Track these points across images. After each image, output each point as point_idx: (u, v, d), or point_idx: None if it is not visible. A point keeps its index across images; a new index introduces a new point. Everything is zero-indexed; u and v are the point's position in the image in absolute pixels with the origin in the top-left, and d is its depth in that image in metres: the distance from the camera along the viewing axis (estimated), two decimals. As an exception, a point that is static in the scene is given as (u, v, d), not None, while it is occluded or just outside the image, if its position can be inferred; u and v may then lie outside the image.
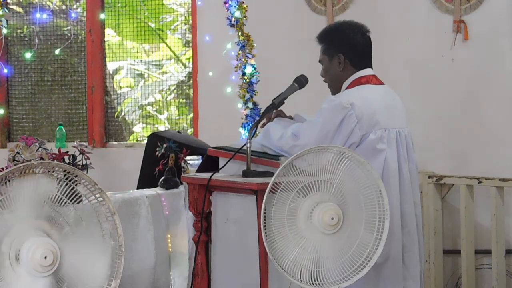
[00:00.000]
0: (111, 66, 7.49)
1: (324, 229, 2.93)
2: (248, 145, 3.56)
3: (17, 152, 4.07)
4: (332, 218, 2.91)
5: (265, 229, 2.90)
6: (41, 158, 4.05)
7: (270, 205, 2.92)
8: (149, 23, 7.27)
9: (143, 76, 8.08)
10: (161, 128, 7.56)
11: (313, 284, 2.91)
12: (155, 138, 4.75)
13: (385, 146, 3.48)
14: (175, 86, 7.62)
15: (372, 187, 3.00)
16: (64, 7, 7.02)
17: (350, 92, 3.56)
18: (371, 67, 3.66)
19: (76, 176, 2.83)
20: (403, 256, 3.51)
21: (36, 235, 2.75)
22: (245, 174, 3.56)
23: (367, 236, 2.99)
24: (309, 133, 3.51)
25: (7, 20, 5.78)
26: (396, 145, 3.53)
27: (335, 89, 3.65)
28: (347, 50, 3.61)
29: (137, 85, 8.04)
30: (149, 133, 6.06)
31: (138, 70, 8.07)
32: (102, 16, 6.63)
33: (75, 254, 2.83)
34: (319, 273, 2.94)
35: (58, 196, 2.82)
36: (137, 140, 7.23)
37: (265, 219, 2.90)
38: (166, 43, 7.77)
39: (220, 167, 3.70)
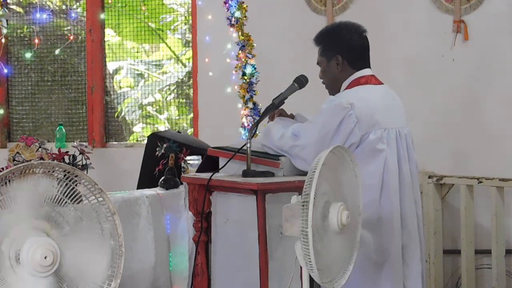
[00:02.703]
0: (111, 66, 7.50)
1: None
2: (248, 145, 3.56)
3: (17, 152, 4.07)
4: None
5: None
6: (41, 158, 4.05)
7: None
8: (149, 23, 7.27)
9: (143, 76, 8.09)
10: (161, 128, 7.56)
11: None
12: (155, 138, 4.75)
13: (385, 146, 3.48)
14: (175, 86, 7.62)
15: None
16: (64, 7, 7.02)
17: (349, 92, 3.56)
18: (370, 67, 3.66)
19: (76, 176, 2.83)
20: (403, 255, 3.52)
21: (36, 235, 2.75)
22: (245, 174, 3.57)
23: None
24: (309, 133, 3.51)
25: (7, 20, 5.78)
26: (396, 145, 3.53)
27: (334, 90, 3.65)
28: (344, 51, 3.61)
29: (137, 85, 8.04)
30: (149, 133, 6.06)
31: (138, 70, 8.07)
32: (102, 16, 6.63)
33: (75, 254, 2.83)
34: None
35: (58, 196, 2.83)
36: (137, 140, 7.23)
37: None
38: (166, 43, 7.77)
39: (220, 167, 3.71)
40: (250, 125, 5.17)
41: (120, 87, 7.96)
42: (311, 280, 3.14)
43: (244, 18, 5.28)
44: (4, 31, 5.76)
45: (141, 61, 8.02)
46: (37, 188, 2.78)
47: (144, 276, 4.32)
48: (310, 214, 2.72)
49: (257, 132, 4.37)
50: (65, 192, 2.83)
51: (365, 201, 3.41)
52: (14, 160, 4.07)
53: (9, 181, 2.72)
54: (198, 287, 3.80)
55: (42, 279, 2.72)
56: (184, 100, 7.14)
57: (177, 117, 7.15)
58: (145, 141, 5.14)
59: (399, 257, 3.50)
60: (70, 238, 2.84)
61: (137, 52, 7.92)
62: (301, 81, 3.72)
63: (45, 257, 2.70)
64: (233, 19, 5.27)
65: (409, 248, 3.53)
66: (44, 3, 7.02)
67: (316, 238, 2.77)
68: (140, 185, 4.83)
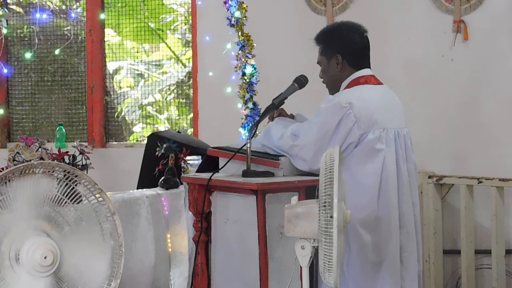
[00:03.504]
0: (111, 66, 7.49)
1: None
2: (248, 145, 3.56)
3: (17, 152, 4.08)
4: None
5: None
6: (41, 158, 4.05)
7: None
8: (149, 23, 7.28)
9: (143, 76, 8.08)
10: (161, 128, 7.56)
11: None
12: (155, 138, 4.75)
13: (383, 146, 3.48)
14: (175, 86, 7.62)
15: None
16: (64, 7, 7.02)
17: (348, 91, 3.57)
18: (370, 67, 3.66)
19: (76, 176, 2.83)
20: (401, 256, 3.52)
21: (36, 235, 2.75)
22: (245, 174, 3.57)
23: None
24: (308, 133, 3.51)
25: (7, 20, 5.78)
26: (395, 145, 3.53)
27: (334, 89, 3.65)
28: (345, 50, 3.61)
29: (137, 85, 8.04)
30: (149, 133, 6.06)
31: (138, 70, 8.07)
32: (102, 16, 6.62)
33: (75, 254, 2.83)
34: None
35: (58, 196, 2.83)
36: (137, 140, 7.23)
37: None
38: (166, 43, 7.77)
39: (220, 167, 3.71)
40: (250, 125, 5.17)
41: (120, 87, 7.96)
42: (311, 280, 3.15)
43: (244, 18, 5.28)
44: (4, 31, 5.75)
45: (141, 61, 8.02)
46: (37, 188, 2.78)
47: (144, 276, 4.32)
48: (335, 215, 2.72)
49: (257, 132, 4.37)
50: (65, 192, 2.84)
51: (363, 201, 3.42)
52: (14, 160, 4.07)
53: (9, 181, 2.72)
54: (198, 287, 3.80)
55: (42, 278, 2.73)
56: (184, 100, 7.14)
57: (177, 117, 7.15)
58: (145, 141, 5.14)
59: (397, 257, 3.50)
60: (70, 238, 2.84)
61: (137, 52, 7.92)
62: (301, 81, 3.72)
63: (45, 257, 2.70)
64: (233, 19, 5.27)
65: (406, 249, 3.54)
66: (44, 3, 7.02)
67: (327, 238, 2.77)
68: (140, 185, 4.83)
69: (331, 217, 2.71)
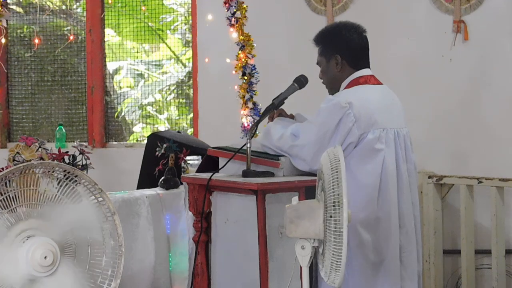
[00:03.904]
0: (111, 66, 7.49)
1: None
2: (248, 145, 3.56)
3: (17, 152, 4.08)
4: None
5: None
6: (41, 158, 4.05)
7: None
8: (149, 23, 7.28)
9: (143, 76, 8.08)
10: (161, 128, 7.56)
11: None
12: (155, 138, 4.74)
13: (383, 146, 3.48)
14: (175, 86, 7.62)
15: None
16: (64, 7, 7.02)
17: (348, 91, 3.56)
18: (369, 67, 3.66)
19: (76, 176, 2.83)
20: (401, 256, 3.52)
21: (36, 235, 2.75)
22: (245, 174, 3.57)
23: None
24: (308, 133, 3.51)
25: (7, 20, 5.78)
26: (395, 145, 3.53)
27: (334, 90, 3.65)
28: (344, 50, 3.61)
29: (137, 85, 8.04)
30: (149, 133, 6.06)
31: (138, 70, 8.07)
32: (102, 16, 6.63)
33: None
34: None
35: (58, 196, 2.83)
36: (137, 140, 7.23)
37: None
38: (166, 43, 7.77)
39: (220, 167, 3.71)
40: (250, 125, 5.17)
41: (120, 87, 7.96)
42: (311, 280, 3.15)
43: (244, 18, 5.28)
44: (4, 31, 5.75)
45: (141, 61, 8.02)
46: (37, 188, 2.78)
47: (144, 276, 4.32)
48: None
49: (257, 132, 4.37)
50: (65, 192, 2.83)
51: (363, 200, 3.42)
52: (14, 160, 4.07)
53: (9, 181, 2.72)
54: (198, 287, 3.81)
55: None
56: (184, 100, 7.14)
57: (177, 117, 7.15)
58: (145, 141, 5.14)
59: (397, 257, 3.50)
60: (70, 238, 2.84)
61: (137, 52, 7.92)
62: (301, 81, 3.72)
63: (45, 257, 2.70)
64: (233, 19, 5.27)
65: (406, 249, 3.53)
66: (44, 3, 7.02)
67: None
68: (140, 185, 4.83)
69: (341, 216, 2.72)
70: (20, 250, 2.67)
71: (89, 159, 4.28)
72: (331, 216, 2.75)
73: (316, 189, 2.99)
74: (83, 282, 2.82)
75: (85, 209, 2.88)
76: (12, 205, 2.71)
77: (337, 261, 2.73)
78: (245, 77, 5.26)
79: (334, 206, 2.74)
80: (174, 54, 7.83)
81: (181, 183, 4.39)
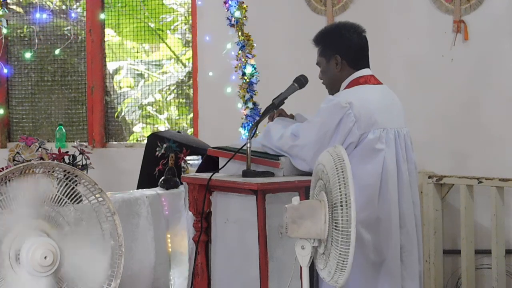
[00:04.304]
0: (111, 66, 7.49)
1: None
2: (248, 145, 3.56)
3: (17, 152, 4.07)
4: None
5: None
6: (41, 158, 4.05)
7: None
8: (149, 23, 7.28)
9: (143, 76, 8.08)
10: (161, 128, 7.56)
11: None
12: (155, 138, 4.75)
13: (383, 146, 3.48)
14: (175, 86, 7.62)
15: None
16: (64, 7, 7.02)
17: (348, 91, 3.56)
18: (369, 67, 3.66)
19: (76, 176, 2.83)
20: (401, 255, 3.51)
21: (36, 235, 2.75)
22: (245, 174, 3.57)
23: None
24: (308, 133, 3.51)
25: (7, 20, 5.78)
26: (395, 145, 3.53)
27: (334, 90, 3.65)
28: (343, 50, 3.61)
29: (137, 85, 8.04)
30: (149, 133, 6.06)
31: (138, 70, 8.07)
32: (102, 16, 6.63)
33: (75, 254, 2.83)
34: None
35: (58, 196, 2.83)
36: (137, 140, 7.23)
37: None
38: (166, 43, 7.77)
39: (220, 167, 3.71)
40: (250, 125, 5.17)
41: (120, 87, 7.96)
42: (311, 280, 3.14)
43: (244, 18, 5.28)
44: (4, 31, 5.75)
45: (141, 61, 8.02)
46: (37, 188, 2.78)
47: (144, 276, 4.32)
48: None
49: (257, 132, 4.37)
50: (65, 192, 2.83)
51: (364, 200, 3.41)
52: (14, 160, 4.07)
53: (9, 181, 2.72)
54: (198, 287, 3.80)
55: (42, 279, 2.72)
56: (184, 100, 7.14)
57: (177, 117, 7.15)
58: (145, 141, 5.14)
59: (397, 257, 3.50)
60: (70, 238, 2.84)
61: (137, 52, 7.92)
62: (301, 81, 3.72)
63: (45, 257, 2.70)
64: (233, 19, 5.27)
65: (407, 249, 3.53)
66: (44, 3, 7.02)
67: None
68: (140, 185, 4.83)
69: (349, 216, 2.72)
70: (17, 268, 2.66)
71: (89, 159, 4.28)
72: (338, 216, 2.75)
73: (312, 189, 2.99)
74: (83, 282, 2.82)
75: (85, 209, 2.88)
76: (12, 205, 2.71)
77: (343, 261, 2.73)
78: (245, 77, 5.26)
79: (341, 206, 2.74)
80: (174, 54, 7.83)
81: (181, 183, 4.39)
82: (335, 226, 2.75)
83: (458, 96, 5.54)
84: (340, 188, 2.75)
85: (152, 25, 7.37)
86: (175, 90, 7.61)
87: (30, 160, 4.00)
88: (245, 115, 5.26)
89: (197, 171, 4.07)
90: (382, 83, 3.67)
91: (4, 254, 2.71)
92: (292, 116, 3.84)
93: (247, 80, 5.25)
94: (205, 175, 3.70)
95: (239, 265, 3.61)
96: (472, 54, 5.50)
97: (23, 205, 2.74)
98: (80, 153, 4.26)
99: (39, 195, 2.77)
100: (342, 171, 2.76)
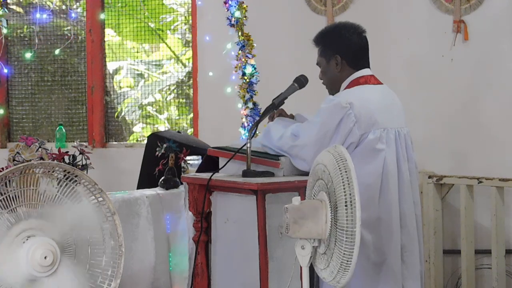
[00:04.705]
0: (111, 66, 7.49)
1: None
2: (248, 145, 3.56)
3: (17, 152, 4.07)
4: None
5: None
6: (41, 158, 4.05)
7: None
8: (149, 23, 7.28)
9: (143, 76, 8.08)
10: (161, 128, 7.56)
11: None
12: (155, 138, 4.75)
13: (384, 146, 3.48)
14: (175, 86, 7.62)
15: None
16: (64, 7, 7.02)
17: (348, 92, 3.56)
18: (369, 67, 3.66)
19: (76, 176, 2.83)
20: (402, 255, 3.51)
21: (36, 235, 2.75)
22: (245, 174, 3.57)
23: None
24: (308, 133, 3.51)
25: (7, 20, 5.78)
26: (395, 145, 3.53)
27: (334, 90, 3.65)
28: (343, 51, 3.61)
29: (137, 85, 8.04)
30: (149, 133, 6.06)
31: (138, 70, 8.07)
32: (102, 16, 6.63)
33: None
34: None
35: (58, 196, 2.83)
36: (137, 140, 7.23)
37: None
38: (166, 43, 7.77)
39: (220, 167, 3.71)
40: (250, 125, 5.17)
41: (120, 87, 7.96)
42: (311, 280, 3.14)
43: (244, 18, 5.28)
44: (4, 31, 5.75)
45: (141, 61, 8.02)
46: (37, 188, 2.78)
47: (144, 276, 4.32)
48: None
49: (257, 132, 4.37)
50: (65, 192, 2.83)
51: (364, 200, 3.41)
52: (14, 160, 4.07)
53: (9, 181, 2.72)
54: (198, 287, 3.80)
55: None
56: (184, 100, 7.14)
57: (177, 117, 7.15)
58: (145, 141, 5.14)
59: (398, 257, 3.50)
60: (70, 238, 2.84)
61: (137, 52, 7.92)
62: (301, 81, 3.72)
63: (45, 257, 2.70)
64: (233, 19, 5.27)
65: (408, 248, 3.53)
66: (44, 3, 7.02)
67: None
68: (140, 185, 4.83)
69: (354, 216, 2.72)
70: (20, 250, 2.67)
71: (89, 159, 4.28)
72: (342, 216, 2.75)
73: (310, 189, 2.98)
74: (83, 282, 2.82)
75: (85, 209, 2.88)
76: (12, 205, 2.71)
77: (347, 261, 2.73)
78: (245, 77, 5.26)
79: (346, 206, 2.74)
80: (174, 54, 7.83)
81: (181, 183, 4.39)
82: (339, 226, 2.75)
83: (458, 96, 5.54)
84: (344, 188, 2.75)
85: (152, 25, 7.37)
86: (175, 90, 7.61)
87: (30, 160, 4.00)
88: (245, 115, 5.26)
89: (197, 171, 4.07)
90: (382, 83, 3.67)
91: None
92: (292, 116, 3.84)
93: (247, 80, 5.25)
94: (205, 175, 3.70)
95: (239, 265, 3.61)
96: (472, 54, 5.50)
97: (23, 205, 2.74)
98: (80, 153, 4.26)
99: (39, 195, 2.77)
100: (346, 171, 2.76)
